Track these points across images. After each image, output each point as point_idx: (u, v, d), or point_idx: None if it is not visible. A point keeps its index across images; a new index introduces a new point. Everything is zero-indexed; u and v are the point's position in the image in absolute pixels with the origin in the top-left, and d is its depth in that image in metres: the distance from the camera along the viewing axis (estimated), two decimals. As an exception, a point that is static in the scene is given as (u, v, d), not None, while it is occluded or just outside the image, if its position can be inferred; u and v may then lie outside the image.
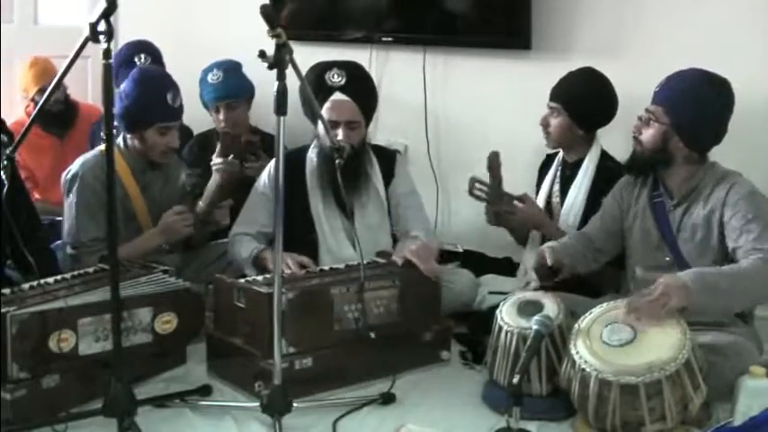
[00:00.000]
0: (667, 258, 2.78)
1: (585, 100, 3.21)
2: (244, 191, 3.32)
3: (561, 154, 3.36)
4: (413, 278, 2.88)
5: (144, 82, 3.12)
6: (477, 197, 3.24)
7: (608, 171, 3.18)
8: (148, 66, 3.73)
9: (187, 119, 3.76)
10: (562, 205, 3.28)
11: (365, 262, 2.83)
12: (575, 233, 3.04)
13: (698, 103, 2.73)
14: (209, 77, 3.81)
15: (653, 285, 2.44)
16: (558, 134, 3.25)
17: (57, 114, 4.06)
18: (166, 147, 3.14)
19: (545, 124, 3.27)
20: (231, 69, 3.81)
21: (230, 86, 3.79)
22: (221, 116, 3.79)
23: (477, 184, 3.23)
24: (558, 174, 3.35)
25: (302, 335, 2.62)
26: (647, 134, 2.79)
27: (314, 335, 2.66)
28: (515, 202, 3.20)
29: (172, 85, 3.14)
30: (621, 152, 3.30)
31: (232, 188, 3.39)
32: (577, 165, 3.27)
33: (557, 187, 3.33)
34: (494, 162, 3.19)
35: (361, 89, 3.17)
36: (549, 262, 2.80)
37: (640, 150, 2.82)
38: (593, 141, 3.27)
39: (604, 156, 3.27)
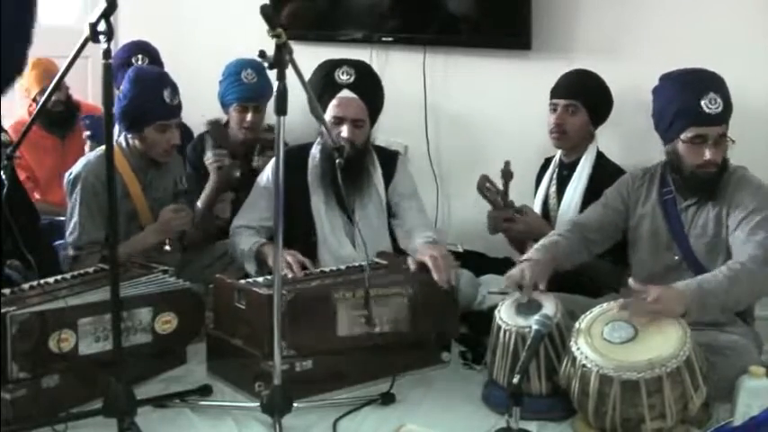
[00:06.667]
0: (676, 257, 2.77)
1: (601, 95, 3.23)
2: (248, 183, 3.33)
3: (558, 155, 3.35)
4: (425, 287, 2.80)
5: (140, 81, 3.11)
6: (485, 196, 3.24)
7: (604, 171, 3.19)
8: (145, 65, 3.72)
9: (187, 119, 3.77)
10: (559, 206, 3.27)
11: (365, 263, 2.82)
12: (567, 223, 2.96)
13: None
14: (243, 76, 3.66)
15: (646, 292, 2.42)
16: (577, 132, 3.22)
17: (58, 115, 4.06)
18: (167, 144, 3.13)
19: (560, 123, 3.21)
20: (263, 71, 3.63)
21: (263, 89, 3.65)
22: (248, 117, 3.68)
23: (488, 184, 3.22)
24: (555, 175, 3.34)
25: (302, 338, 2.60)
26: (720, 156, 2.69)
27: (314, 338, 2.63)
28: (516, 215, 3.19)
29: (169, 83, 3.13)
30: (619, 152, 3.31)
31: (230, 186, 3.40)
32: (574, 165, 3.27)
33: (553, 188, 3.33)
34: (507, 171, 3.19)
35: (369, 88, 3.17)
36: (526, 281, 2.64)
37: (715, 174, 2.69)
38: (591, 140, 3.27)
39: (600, 156, 3.27)
